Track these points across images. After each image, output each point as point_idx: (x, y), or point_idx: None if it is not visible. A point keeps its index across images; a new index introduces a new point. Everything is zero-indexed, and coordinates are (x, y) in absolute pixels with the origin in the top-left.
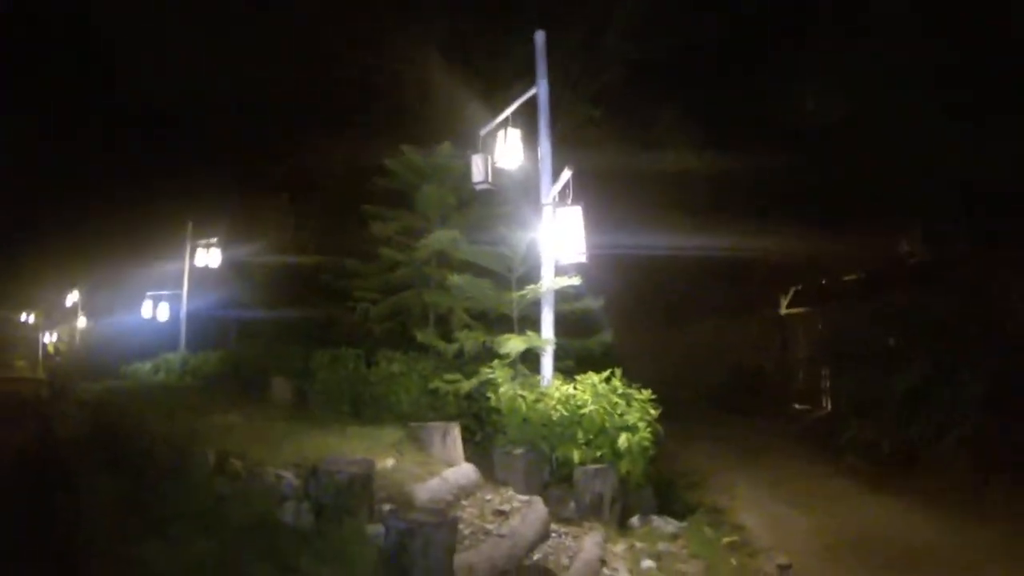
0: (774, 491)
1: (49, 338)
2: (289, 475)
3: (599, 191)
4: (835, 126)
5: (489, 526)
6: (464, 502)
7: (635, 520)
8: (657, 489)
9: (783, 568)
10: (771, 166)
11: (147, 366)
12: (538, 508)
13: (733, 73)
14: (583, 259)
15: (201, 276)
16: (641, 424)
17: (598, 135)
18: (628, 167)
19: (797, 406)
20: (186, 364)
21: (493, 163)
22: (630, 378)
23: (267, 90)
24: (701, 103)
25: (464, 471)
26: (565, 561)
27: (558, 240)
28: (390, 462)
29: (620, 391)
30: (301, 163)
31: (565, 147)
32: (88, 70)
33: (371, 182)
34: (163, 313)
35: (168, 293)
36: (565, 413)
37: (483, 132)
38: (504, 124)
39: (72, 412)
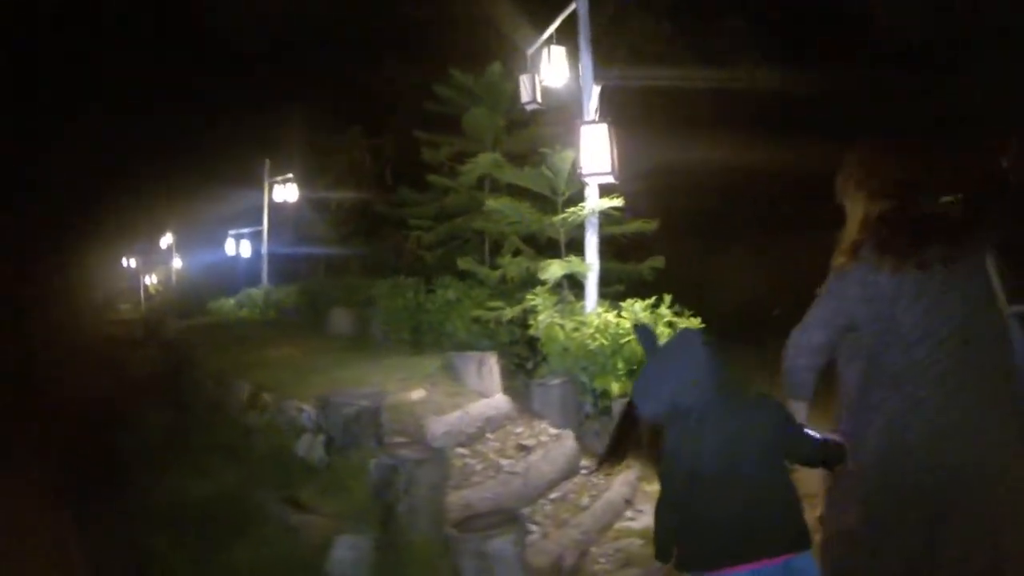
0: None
1: (148, 280)
2: (309, 408)
3: (665, 107)
4: (918, 46)
5: (505, 462)
6: (490, 435)
7: None
8: None
9: None
10: (850, 83)
11: (231, 302)
12: (566, 443)
13: None
14: (612, 179)
15: (282, 212)
16: None
17: (668, 50)
18: (701, 82)
19: None
20: (268, 298)
21: (541, 82)
22: (685, 305)
23: (332, 25)
24: (776, 18)
25: (494, 402)
26: (585, 501)
27: (591, 160)
28: (420, 393)
29: (667, 319)
30: (371, 94)
31: (632, 61)
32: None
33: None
34: (245, 250)
35: (249, 231)
36: (604, 342)
37: (530, 51)
38: (549, 41)
39: (152, 352)
